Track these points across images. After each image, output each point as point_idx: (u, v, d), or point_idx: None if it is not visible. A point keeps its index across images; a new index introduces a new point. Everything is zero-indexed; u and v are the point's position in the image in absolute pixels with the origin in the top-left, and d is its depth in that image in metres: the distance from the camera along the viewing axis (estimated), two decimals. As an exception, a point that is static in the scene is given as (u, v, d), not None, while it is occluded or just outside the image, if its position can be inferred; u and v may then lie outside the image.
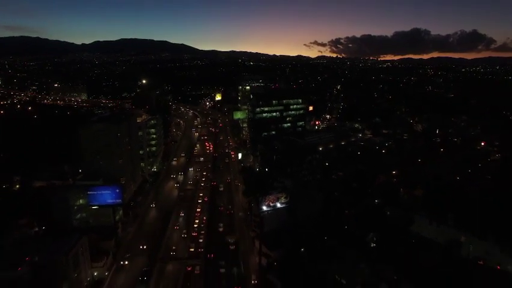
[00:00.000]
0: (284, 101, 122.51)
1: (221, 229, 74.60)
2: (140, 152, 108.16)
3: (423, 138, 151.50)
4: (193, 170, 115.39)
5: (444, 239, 69.92)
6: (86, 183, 77.60)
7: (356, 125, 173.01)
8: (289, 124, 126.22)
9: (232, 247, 67.23)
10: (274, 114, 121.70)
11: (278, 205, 67.32)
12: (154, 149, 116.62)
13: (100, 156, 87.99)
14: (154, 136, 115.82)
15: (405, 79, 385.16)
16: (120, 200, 69.18)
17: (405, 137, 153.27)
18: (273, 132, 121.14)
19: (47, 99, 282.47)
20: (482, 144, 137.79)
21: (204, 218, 78.17)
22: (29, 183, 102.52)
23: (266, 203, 65.41)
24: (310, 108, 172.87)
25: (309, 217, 75.82)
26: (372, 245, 71.11)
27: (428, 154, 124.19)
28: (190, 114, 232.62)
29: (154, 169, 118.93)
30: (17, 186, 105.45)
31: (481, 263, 63.18)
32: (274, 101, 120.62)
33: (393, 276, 59.11)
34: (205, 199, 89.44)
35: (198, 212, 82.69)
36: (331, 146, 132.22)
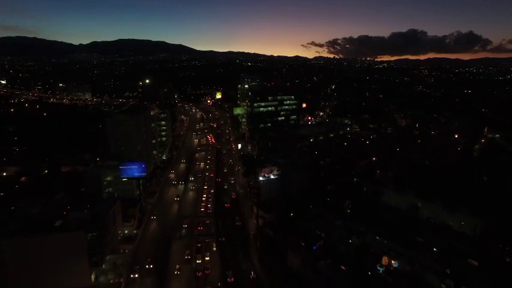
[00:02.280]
0: (278, 97, 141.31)
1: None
2: (153, 141, 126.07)
3: (405, 131, 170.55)
4: (199, 155, 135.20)
5: (405, 205, 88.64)
6: (113, 163, 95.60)
7: (346, 121, 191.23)
8: (283, 118, 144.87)
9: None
10: (270, 108, 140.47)
11: (272, 176, 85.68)
12: (164, 139, 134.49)
13: (122, 142, 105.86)
14: (164, 128, 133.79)
15: (398, 79, 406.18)
16: (145, 174, 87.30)
17: (389, 131, 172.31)
18: (269, 125, 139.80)
19: (54, 98, 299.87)
20: (456, 136, 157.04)
21: (212, 190, 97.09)
22: (58, 168, 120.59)
23: (262, 174, 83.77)
24: (304, 105, 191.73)
25: (298, 190, 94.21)
26: (348, 210, 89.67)
27: (406, 144, 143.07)
28: (194, 112, 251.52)
29: (164, 157, 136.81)
30: (46, 171, 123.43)
31: (432, 221, 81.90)
32: (270, 97, 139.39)
33: (361, 229, 77.59)
34: (211, 175, 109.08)
35: (206, 188, 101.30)
36: (321, 138, 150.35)
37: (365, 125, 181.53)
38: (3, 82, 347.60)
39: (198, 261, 63.71)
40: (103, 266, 68.65)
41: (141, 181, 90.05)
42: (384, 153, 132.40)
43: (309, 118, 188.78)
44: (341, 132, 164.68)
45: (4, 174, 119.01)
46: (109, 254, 71.66)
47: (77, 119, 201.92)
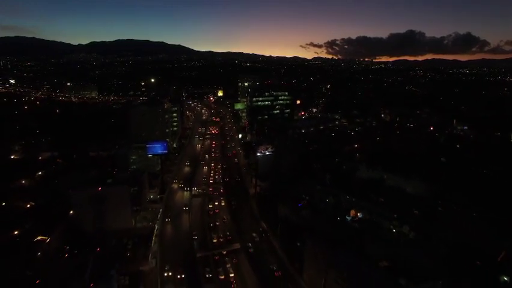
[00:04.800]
0: (274, 93, 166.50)
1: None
2: (167, 130, 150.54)
3: (387, 125, 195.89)
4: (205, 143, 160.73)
5: (374, 177, 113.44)
6: (138, 144, 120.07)
7: (336, 116, 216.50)
8: (278, 111, 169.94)
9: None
10: (266, 103, 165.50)
11: (267, 153, 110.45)
12: (175, 129, 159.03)
13: (143, 129, 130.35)
14: (176, 119, 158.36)
15: (391, 79, 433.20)
16: (166, 151, 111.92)
17: (373, 125, 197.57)
18: (266, 117, 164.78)
19: (62, 97, 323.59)
20: (431, 128, 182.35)
21: (219, 166, 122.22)
22: (86, 153, 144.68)
23: (259, 150, 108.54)
24: (298, 102, 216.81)
25: (288, 167, 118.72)
26: (328, 182, 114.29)
27: (385, 135, 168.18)
28: (198, 108, 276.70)
29: (175, 145, 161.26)
30: (74, 156, 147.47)
31: (394, 187, 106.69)
32: (266, 93, 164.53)
33: (336, 192, 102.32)
34: (216, 154, 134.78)
35: (213, 165, 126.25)
36: (312, 129, 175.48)
37: (353, 120, 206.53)
38: (12, 81, 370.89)
39: (209, 206, 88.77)
40: (137, 218, 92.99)
41: (162, 157, 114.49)
42: (366, 141, 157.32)
43: (303, 113, 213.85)
44: (330, 125, 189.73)
45: (40, 158, 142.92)
46: (141, 211, 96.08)
47: (90, 115, 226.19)
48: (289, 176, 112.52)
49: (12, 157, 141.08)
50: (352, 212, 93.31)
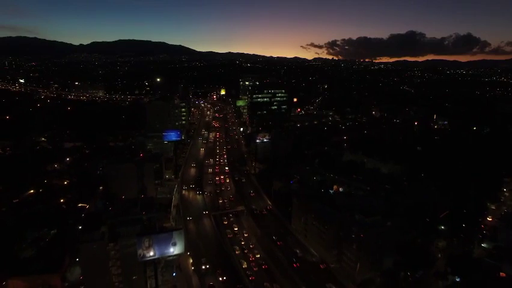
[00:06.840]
0: (272, 91, 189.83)
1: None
2: (176, 123, 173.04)
3: (376, 120, 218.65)
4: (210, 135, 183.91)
5: (356, 161, 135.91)
6: (154, 134, 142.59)
7: (330, 113, 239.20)
8: (275, 107, 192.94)
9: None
10: (265, 99, 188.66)
11: (265, 140, 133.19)
12: (183, 122, 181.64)
13: (157, 121, 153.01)
14: (184, 114, 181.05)
15: (387, 80, 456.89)
16: (180, 138, 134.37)
17: (364, 120, 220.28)
18: (265, 112, 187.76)
19: (71, 95, 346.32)
20: (416, 123, 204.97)
21: (223, 152, 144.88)
22: (106, 143, 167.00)
23: (258, 137, 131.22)
24: (295, 99, 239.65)
25: (283, 153, 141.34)
26: (316, 165, 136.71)
27: (372, 128, 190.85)
28: (202, 106, 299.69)
29: (183, 137, 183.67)
30: (95, 145, 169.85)
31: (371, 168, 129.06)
32: (265, 90, 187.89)
33: (323, 172, 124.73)
34: (221, 141, 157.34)
35: (218, 151, 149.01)
36: (306, 124, 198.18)
37: (345, 116, 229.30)
38: (21, 81, 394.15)
39: (216, 179, 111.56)
40: (157, 191, 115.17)
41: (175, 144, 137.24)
42: (353, 133, 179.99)
43: (299, 110, 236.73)
44: (323, 120, 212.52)
45: (65, 147, 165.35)
46: (160, 186, 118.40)
47: (102, 112, 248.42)
48: (283, 160, 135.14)
49: (42, 146, 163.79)
50: (335, 187, 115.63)
